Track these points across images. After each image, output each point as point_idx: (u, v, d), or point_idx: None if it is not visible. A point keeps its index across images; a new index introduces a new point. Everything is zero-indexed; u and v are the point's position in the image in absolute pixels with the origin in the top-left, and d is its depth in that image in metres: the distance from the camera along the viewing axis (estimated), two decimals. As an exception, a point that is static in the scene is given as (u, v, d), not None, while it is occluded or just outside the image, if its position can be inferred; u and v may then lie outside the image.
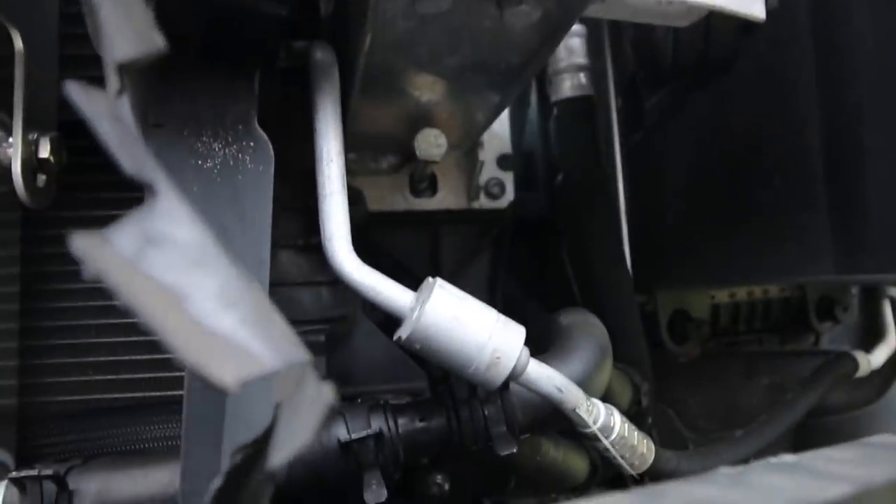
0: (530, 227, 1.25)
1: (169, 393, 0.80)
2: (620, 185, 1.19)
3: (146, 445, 0.80)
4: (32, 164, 0.71)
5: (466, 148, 1.08)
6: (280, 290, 0.83)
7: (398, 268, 1.13)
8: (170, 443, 0.80)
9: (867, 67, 0.81)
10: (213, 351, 0.28)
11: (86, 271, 0.27)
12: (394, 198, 1.12)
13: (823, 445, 0.51)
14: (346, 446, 0.66)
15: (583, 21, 1.14)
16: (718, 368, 1.35)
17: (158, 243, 0.30)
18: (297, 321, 0.83)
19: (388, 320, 0.74)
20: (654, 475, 0.78)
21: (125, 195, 0.68)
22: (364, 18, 0.62)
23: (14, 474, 0.65)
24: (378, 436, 0.67)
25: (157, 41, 0.31)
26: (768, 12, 0.68)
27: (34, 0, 0.76)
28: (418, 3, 0.58)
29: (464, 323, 0.62)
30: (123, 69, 0.32)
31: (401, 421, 0.69)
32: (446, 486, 0.82)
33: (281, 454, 0.30)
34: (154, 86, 0.64)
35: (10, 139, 0.69)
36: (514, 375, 0.63)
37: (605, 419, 0.69)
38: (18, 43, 0.69)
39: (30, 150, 0.70)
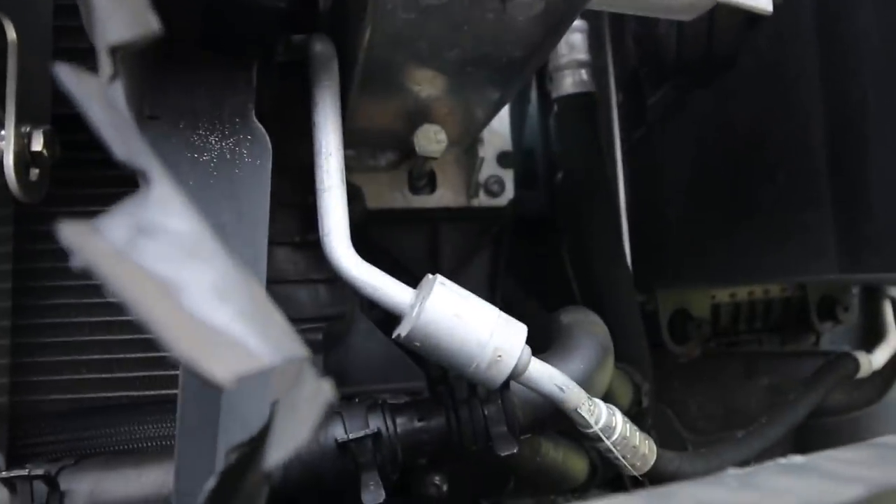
0: (530, 225, 1.24)
1: (163, 392, 0.79)
2: (621, 183, 1.19)
3: (140, 445, 0.78)
4: (25, 158, 0.70)
5: (466, 145, 1.07)
6: (277, 287, 0.82)
7: (397, 266, 1.12)
8: (164, 442, 0.78)
9: (872, 62, 0.80)
10: (208, 345, 0.26)
11: (75, 262, 0.26)
12: (392, 195, 1.11)
13: (824, 446, 0.50)
14: (343, 446, 0.65)
15: (584, 16, 1.13)
16: (718, 369, 1.34)
17: (151, 233, 0.29)
18: (294, 319, 0.81)
19: (387, 319, 0.73)
20: (655, 476, 0.77)
21: (122, 190, 0.67)
22: (364, 11, 0.61)
23: (4, 474, 0.64)
24: (376, 436, 0.66)
25: (152, 23, 0.29)
26: (774, 6, 0.68)
27: (28, -9, 0.74)
28: (419, -6, 0.57)
29: (465, 320, 0.61)
30: (117, 53, 0.30)
31: (399, 421, 0.68)
32: (444, 487, 0.81)
33: (277, 454, 0.29)
34: (150, 77, 0.62)
35: (2, 132, 0.68)
36: (516, 374, 0.62)
37: (606, 419, 0.68)
38: (11, 34, 0.68)
39: (22, 143, 0.69)
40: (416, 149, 0.87)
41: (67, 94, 0.29)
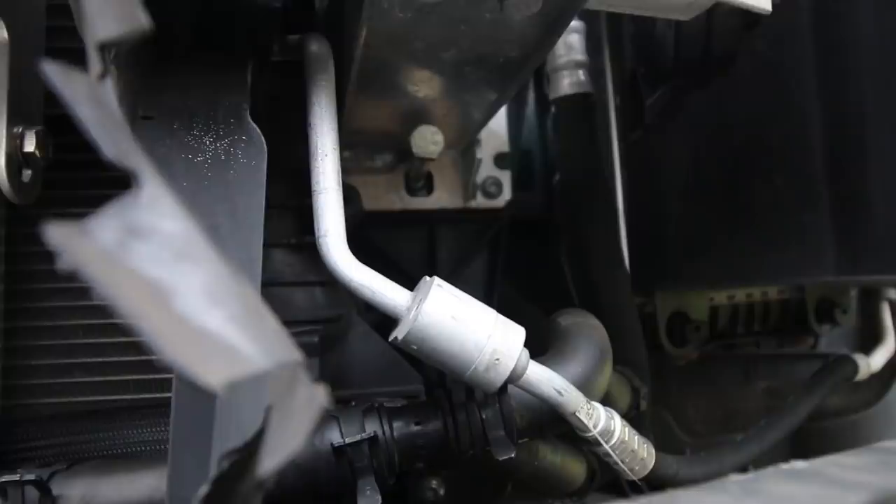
0: (528, 226, 1.23)
1: (158, 395, 0.78)
2: (619, 184, 1.18)
3: (134, 449, 0.78)
4: (17, 159, 0.69)
5: (463, 146, 1.07)
6: (273, 289, 0.81)
7: (394, 268, 1.12)
8: (158, 446, 0.78)
9: (870, 64, 0.80)
10: (199, 350, 0.26)
11: (62, 264, 0.25)
12: (389, 197, 1.10)
13: (823, 448, 0.50)
14: (339, 451, 0.65)
15: (581, 17, 1.13)
16: (716, 371, 1.34)
17: (142, 235, 0.28)
18: (290, 321, 0.81)
19: (384, 321, 0.73)
20: (653, 481, 0.76)
21: (116, 192, 0.66)
22: (360, 10, 0.61)
23: (-5, 479, 0.63)
24: (373, 440, 0.65)
25: (141, 19, 0.29)
26: (772, 6, 0.67)
27: (20, -10, 0.73)
28: (416, -7, 0.57)
29: (463, 323, 0.60)
30: (106, 50, 0.30)
31: (396, 424, 0.67)
32: (442, 492, 0.80)
33: (271, 461, 0.28)
34: (144, 77, 0.62)
35: (-6, 132, 0.67)
36: (514, 377, 0.62)
37: (605, 423, 0.67)
38: (3, 34, 0.67)
39: (15, 143, 0.68)
40: (413, 150, 0.87)
41: (56, 94, 0.28)
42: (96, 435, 0.77)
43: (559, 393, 0.64)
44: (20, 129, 0.69)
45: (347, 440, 0.64)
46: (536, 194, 1.26)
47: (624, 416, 0.73)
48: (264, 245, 0.63)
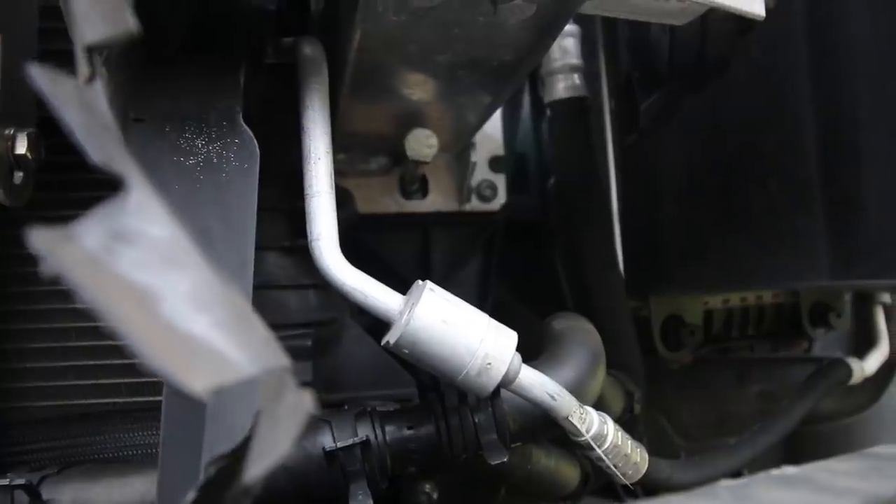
0: (522, 230, 1.23)
1: (150, 399, 0.78)
2: (614, 188, 1.18)
3: (126, 452, 0.77)
4: (9, 161, 0.68)
5: (458, 149, 1.07)
6: (266, 292, 0.81)
7: (388, 271, 1.11)
8: (151, 450, 0.77)
9: (863, 69, 0.80)
10: (185, 355, 0.26)
11: (45, 269, 0.25)
12: (384, 200, 1.10)
13: (816, 452, 0.50)
14: (331, 455, 0.64)
15: (576, 21, 1.13)
16: (710, 375, 1.34)
17: (128, 240, 0.28)
18: (283, 325, 0.80)
19: (377, 325, 0.72)
20: (646, 485, 0.76)
21: (109, 195, 0.66)
22: (354, 13, 0.61)
23: (-16, 483, 0.63)
24: (365, 444, 0.65)
25: (128, 22, 0.28)
26: (766, 11, 0.67)
27: (12, -9, 0.73)
28: (410, -4, 0.56)
29: (454, 327, 0.60)
30: (94, 53, 0.29)
31: (388, 429, 0.67)
32: (434, 496, 0.80)
33: (258, 467, 0.28)
34: (135, 79, 0.61)
35: (-15, 134, 0.67)
36: (506, 382, 0.62)
37: (598, 427, 0.67)
38: (-5, 35, 0.67)
39: (6, 145, 0.68)
40: (408, 153, 0.87)
41: (42, 97, 0.28)
42: (88, 438, 0.76)
43: (552, 397, 0.64)
44: (11, 132, 0.69)
45: (339, 444, 0.64)
46: (531, 198, 1.26)
47: (617, 419, 0.73)
48: (257, 248, 0.62)
